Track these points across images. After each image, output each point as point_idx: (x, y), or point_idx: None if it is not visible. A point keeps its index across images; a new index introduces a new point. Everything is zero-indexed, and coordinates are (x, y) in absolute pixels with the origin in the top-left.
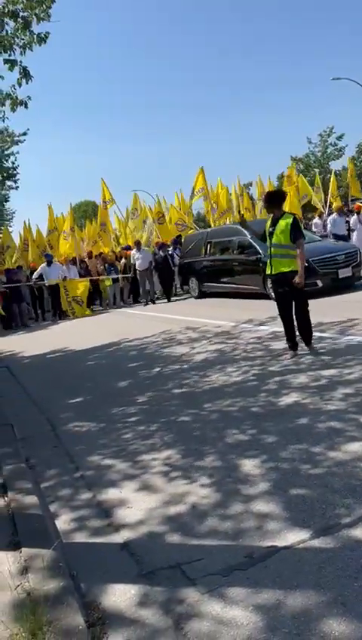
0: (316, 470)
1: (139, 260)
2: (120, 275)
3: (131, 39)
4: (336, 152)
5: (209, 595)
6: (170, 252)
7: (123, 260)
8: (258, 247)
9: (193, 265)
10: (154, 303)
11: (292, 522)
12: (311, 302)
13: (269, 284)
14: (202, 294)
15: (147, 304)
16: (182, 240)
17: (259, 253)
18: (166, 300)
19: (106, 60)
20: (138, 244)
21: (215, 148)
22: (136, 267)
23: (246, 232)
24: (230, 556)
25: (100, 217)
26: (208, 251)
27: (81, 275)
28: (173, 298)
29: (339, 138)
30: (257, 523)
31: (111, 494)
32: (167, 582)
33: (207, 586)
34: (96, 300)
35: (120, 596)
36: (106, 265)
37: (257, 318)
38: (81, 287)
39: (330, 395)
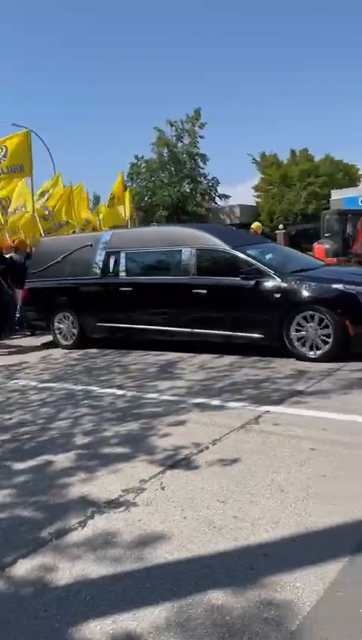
0: None
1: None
2: None
3: None
4: None
5: None
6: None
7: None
8: (257, 264)
9: (67, 291)
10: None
11: None
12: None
13: (294, 335)
14: (84, 341)
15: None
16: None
17: (271, 276)
18: None
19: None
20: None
21: None
22: None
23: (215, 238)
24: None
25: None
26: (110, 269)
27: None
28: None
29: None
30: None
31: None
32: None
33: None
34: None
35: None
36: None
37: None
38: None
39: None
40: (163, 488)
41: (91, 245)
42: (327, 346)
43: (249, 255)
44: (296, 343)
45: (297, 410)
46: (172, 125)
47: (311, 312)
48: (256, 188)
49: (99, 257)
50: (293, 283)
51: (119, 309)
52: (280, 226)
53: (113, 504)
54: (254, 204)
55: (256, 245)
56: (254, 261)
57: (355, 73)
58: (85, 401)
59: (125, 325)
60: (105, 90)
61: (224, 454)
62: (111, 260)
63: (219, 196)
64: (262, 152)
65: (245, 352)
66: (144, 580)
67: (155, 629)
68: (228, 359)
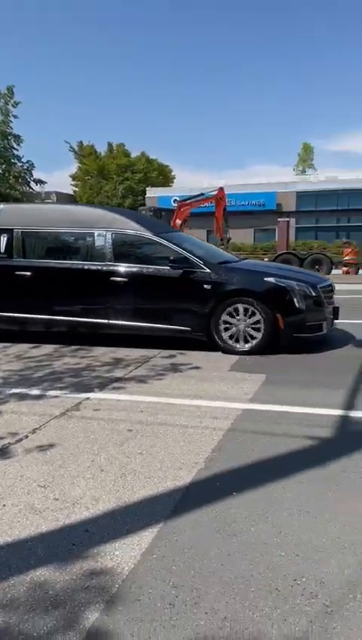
0: None
1: None
2: None
3: None
4: None
5: None
6: None
7: None
8: (185, 253)
9: None
10: None
11: None
12: None
13: (223, 327)
14: None
15: None
16: None
17: (200, 267)
18: None
19: None
20: None
21: None
22: None
23: (133, 222)
24: None
25: None
26: (1, 249)
27: None
28: None
29: None
30: None
31: None
32: None
33: None
34: None
35: None
36: None
37: None
38: None
39: None
40: None
41: None
42: (257, 339)
43: (175, 243)
44: (225, 336)
45: (116, 396)
46: None
47: (241, 305)
48: (74, 177)
49: None
50: (223, 274)
51: (13, 297)
52: None
53: None
54: (72, 193)
55: (172, 233)
56: (181, 250)
57: (181, 82)
58: None
59: (21, 315)
60: None
61: (44, 441)
62: (3, 239)
63: (35, 181)
64: (79, 142)
65: (65, 342)
66: None
67: None
68: (47, 349)
